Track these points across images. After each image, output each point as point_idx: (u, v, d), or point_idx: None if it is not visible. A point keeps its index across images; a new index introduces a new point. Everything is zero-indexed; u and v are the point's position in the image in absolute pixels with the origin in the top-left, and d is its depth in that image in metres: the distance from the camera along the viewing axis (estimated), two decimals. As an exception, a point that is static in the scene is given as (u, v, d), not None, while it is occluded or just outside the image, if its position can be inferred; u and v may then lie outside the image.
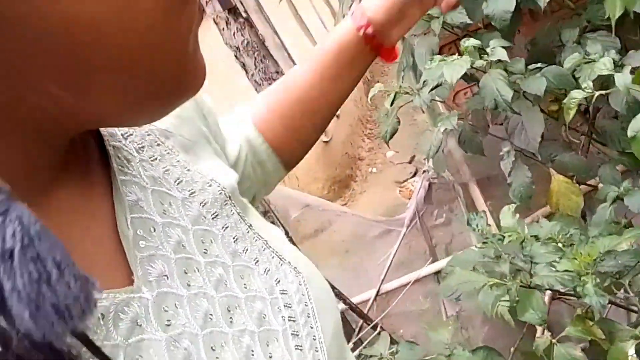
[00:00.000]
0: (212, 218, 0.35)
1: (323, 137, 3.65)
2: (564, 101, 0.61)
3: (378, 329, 1.45)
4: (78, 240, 0.27)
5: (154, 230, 0.31)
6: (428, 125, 1.96)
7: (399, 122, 1.19)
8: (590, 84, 0.59)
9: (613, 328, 0.56)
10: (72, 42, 0.22)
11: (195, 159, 0.37)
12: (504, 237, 0.73)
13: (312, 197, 1.90)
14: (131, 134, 0.34)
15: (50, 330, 0.17)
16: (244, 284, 0.34)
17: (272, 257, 0.37)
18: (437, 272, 1.64)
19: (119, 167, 0.32)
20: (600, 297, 0.53)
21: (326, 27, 4.70)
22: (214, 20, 3.40)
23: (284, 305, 0.35)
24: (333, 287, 1.70)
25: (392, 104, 1.18)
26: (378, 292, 1.62)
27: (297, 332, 0.35)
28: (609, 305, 0.64)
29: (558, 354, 0.55)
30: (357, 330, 1.63)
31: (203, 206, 0.35)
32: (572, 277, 0.57)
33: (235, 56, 3.46)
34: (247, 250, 0.36)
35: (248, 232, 0.37)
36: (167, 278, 0.30)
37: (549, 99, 1.20)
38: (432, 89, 0.96)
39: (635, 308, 0.59)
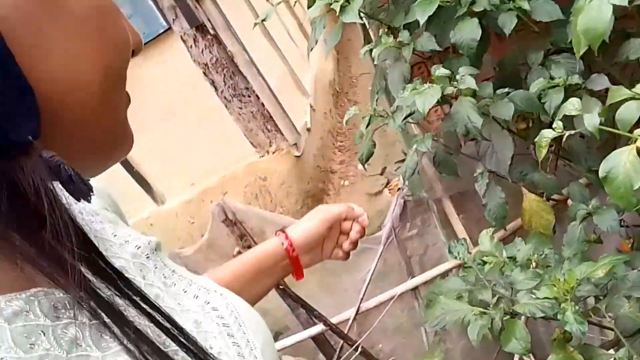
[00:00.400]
0: (146, 257, 0.42)
1: (295, 152, 3.65)
2: (536, 140, 0.64)
3: (359, 349, 1.46)
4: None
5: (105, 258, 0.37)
6: (398, 136, 1.98)
7: (374, 145, 1.21)
8: (560, 124, 0.62)
9: (593, 353, 0.58)
10: (58, 101, 0.31)
11: (121, 226, 0.45)
12: (484, 262, 0.75)
13: (289, 218, 1.89)
14: (71, 205, 0.38)
15: None
16: (178, 303, 0.40)
17: (199, 289, 0.44)
18: (414, 288, 1.66)
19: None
20: (580, 325, 0.55)
21: (294, 42, 4.73)
22: (182, 38, 3.39)
23: (217, 316, 0.42)
24: (313, 309, 1.71)
25: (367, 126, 1.20)
26: (357, 311, 1.63)
27: (232, 334, 0.41)
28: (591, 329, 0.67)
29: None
30: (337, 351, 1.63)
31: (138, 248, 0.42)
32: (552, 305, 0.59)
33: (204, 73, 3.45)
34: (175, 284, 0.43)
35: (173, 274, 0.44)
36: None
37: (516, 117, 1.24)
38: (405, 117, 0.98)
39: (609, 326, 0.61)
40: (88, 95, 0.32)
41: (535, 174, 1.10)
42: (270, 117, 3.59)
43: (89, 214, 0.43)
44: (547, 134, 0.61)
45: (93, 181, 0.40)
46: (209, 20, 3.25)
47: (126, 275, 0.35)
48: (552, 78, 1.06)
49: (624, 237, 1.15)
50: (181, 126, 3.53)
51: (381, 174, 3.89)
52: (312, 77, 4.50)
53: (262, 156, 3.65)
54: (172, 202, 3.76)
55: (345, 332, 1.66)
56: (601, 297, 0.64)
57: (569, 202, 1.16)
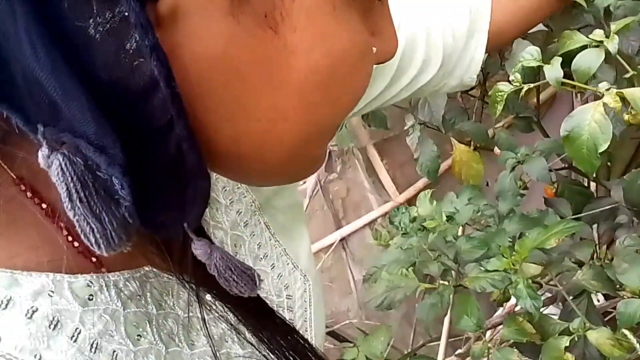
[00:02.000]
0: (244, 226, 0.40)
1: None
2: (490, 93, 0.57)
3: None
4: None
5: (207, 231, 0.34)
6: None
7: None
8: (518, 76, 0.55)
9: (544, 323, 0.55)
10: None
11: None
12: (424, 227, 0.70)
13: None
14: None
15: None
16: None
17: (287, 264, 0.42)
18: (342, 239, 1.63)
19: None
20: (535, 300, 0.52)
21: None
22: None
23: (287, 308, 0.41)
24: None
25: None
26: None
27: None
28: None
29: (495, 359, 0.54)
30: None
31: (238, 214, 0.40)
32: (502, 277, 0.55)
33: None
34: (267, 256, 0.41)
35: (270, 239, 0.42)
36: None
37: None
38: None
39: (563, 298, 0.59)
40: (276, 155, 0.26)
41: (465, 123, 1.06)
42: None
43: None
44: (504, 88, 0.55)
45: None
46: None
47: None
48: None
49: (549, 182, 1.16)
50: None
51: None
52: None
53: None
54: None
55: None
56: (544, 263, 0.61)
57: (496, 150, 1.14)
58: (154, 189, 0.24)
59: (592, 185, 1.24)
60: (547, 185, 1.20)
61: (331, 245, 1.62)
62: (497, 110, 0.53)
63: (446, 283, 0.59)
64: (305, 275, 0.44)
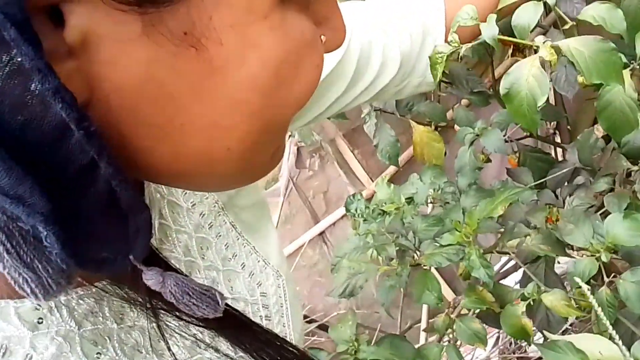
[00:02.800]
0: (209, 227, 0.40)
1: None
2: (429, 55, 0.58)
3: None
4: None
5: (169, 235, 0.36)
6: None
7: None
8: (456, 36, 0.55)
9: (502, 291, 0.57)
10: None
11: None
12: (384, 212, 0.71)
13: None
14: None
15: None
16: (231, 287, 0.40)
17: (258, 261, 0.42)
18: (321, 233, 1.64)
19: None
20: (487, 269, 0.53)
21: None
22: None
23: (262, 306, 0.41)
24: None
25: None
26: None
27: (272, 330, 0.39)
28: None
29: (459, 329, 0.55)
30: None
31: (202, 216, 0.39)
32: (456, 251, 0.56)
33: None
34: (236, 255, 0.41)
35: (238, 238, 0.42)
36: None
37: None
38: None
39: (512, 257, 0.60)
40: (226, 165, 0.26)
41: (421, 104, 1.07)
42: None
43: None
44: (442, 49, 0.55)
45: None
46: None
47: (186, 259, 0.35)
48: None
49: (511, 153, 1.18)
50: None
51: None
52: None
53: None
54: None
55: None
56: (501, 231, 0.62)
57: (456, 127, 1.15)
58: (92, 226, 0.23)
59: (560, 153, 1.25)
60: (510, 156, 1.22)
61: (314, 240, 1.63)
62: (438, 73, 0.54)
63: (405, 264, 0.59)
64: (277, 271, 0.44)
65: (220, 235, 0.40)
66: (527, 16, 0.52)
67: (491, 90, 1.14)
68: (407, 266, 0.58)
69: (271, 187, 1.63)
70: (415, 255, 0.61)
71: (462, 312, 0.59)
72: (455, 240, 0.56)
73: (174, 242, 0.36)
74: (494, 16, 0.54)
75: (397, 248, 0.61)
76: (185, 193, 0.39)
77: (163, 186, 0.37)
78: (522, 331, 0.53)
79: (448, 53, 0.54)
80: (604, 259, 0.50)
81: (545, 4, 0.54)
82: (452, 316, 0.57)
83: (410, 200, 0.76)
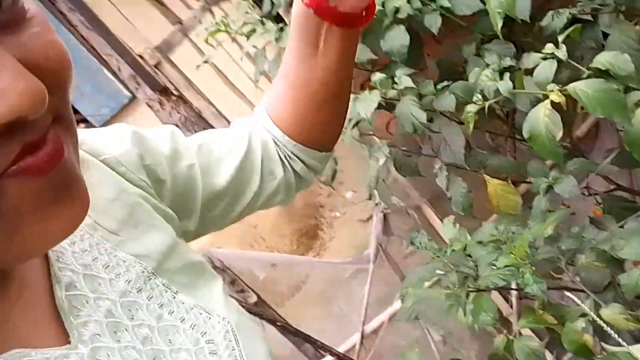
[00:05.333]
0: (137, 292, 0.41)
1: (279, 193, 3.66)
2: (463, 115, 0.66)
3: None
4: (22, 313, 0.34)
5: (87, 303, 0.38)
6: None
7: (335, 162, 1.23)
8: (480, 96, 0.64)
9: (562, 311, 0.58)
10: None
11: (124, 241, 0.43)
12: (451, 248, 0.76)
13: (277, 254, 1.89)
14: None
15: None
16: (169, 340, 0.40)
17: (200, 314, 0.43)
18: (413, 299, 1.64)
19: (55, 258, 0.39)
20: (539, 284, 0.56)
21: (258, 86, 4.82)
22: (148, 104, 3.45)
23: (210, 352, 0.42)
24: (318, 342, 1.68)
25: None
26: (362, 335, 1.61)
27: None
28: (561, 291, 0.67)
29: (518, 349, 0.57)
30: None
31: (128, 283, 0.41)
32: (512, 272, 0.60)
33: (175, 134, 3.50)
34: (172, 312, 0.42)
35: (174, 297, 0.43)
36: (100, 336, 0.37)
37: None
38: (354, 126, 1.01)
39: (577, 287, 0.62)
40: None
41: (494, 159, 1.12)
42: (249, 164, 3.61)
43: (84, 238, 0.41)
44: (470, 109, 0.64)
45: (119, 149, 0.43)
46: (171, 82, 3.32)
47: (108, 320, 0.37)
48: (487, 65, 1.09)
49: (595, 204, 1.17)
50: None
51: (369, 199, 3.92)
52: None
53: (248, 204, 3.65)
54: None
55: (355, 358, 1.63)
56: (560, 257, 0.64)
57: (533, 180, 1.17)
58: None
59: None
60: (595, 208, 1.20)
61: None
62: (470, 128, 0.61)
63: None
64: (223, 318, 0.44)
65: (151, 297, 0.42)
66: (545, 72, 0.60)
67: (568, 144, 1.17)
68: (465, 289, 0.62)
69: (361, 254, 1.69)
70: (474, 280, 0.65)
71: (521, 332, 0.60)
72: (510, 262, 0.60)
73: (93, 308, 0.38)
74: (507, 74, 0.63)
75: (458, 275, 0.66)
76: (108, 266, 0.41)
77: (78, 263, 0.39)
78: (584, 348, 0.54)
79: (476, 111, 0.62)
80: (656, 269, 0.51)
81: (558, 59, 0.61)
82: (510, 337, 0.59)
83: (480, 242, 0.80)
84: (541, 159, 1.15)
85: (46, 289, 0.37)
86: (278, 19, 1.41)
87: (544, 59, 0.63)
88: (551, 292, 0.66)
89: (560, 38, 0.62)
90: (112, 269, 0.41)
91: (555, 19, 0.75)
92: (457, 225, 0.79)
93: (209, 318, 0.43)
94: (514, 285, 0.64)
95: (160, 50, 3.53)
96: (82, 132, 0.44)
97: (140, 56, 3.34)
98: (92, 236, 0.42)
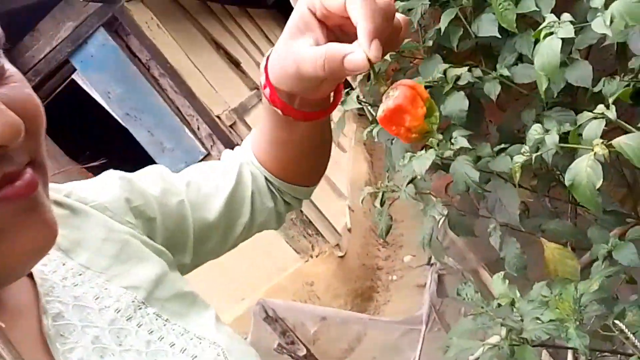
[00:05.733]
0: (127, 320, 0.44)
1: (337, 252, 3.69)
2: (510, 166, 0.69)
3: None
4: (14, 342, 0.36)
5: (74, 331, 0.41)
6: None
7: (391, 218, 1.26)
8: (526, 148, 0.67)
9: (606, 368, 0.57)
10: None
11: (115, 275, 0.46)
12: (499, 304, 0.77)
13: (329, 309, 1.90)
14: (56, 271, 0.45)
15: None
16: None
17: (191, 339, 0.45)
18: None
19: (45, 292, 0.43)
20: (582, 338, 0.56)
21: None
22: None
23: None
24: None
25: (381, 203, 1.27)
26: (411, 398, 1.56)
27: None
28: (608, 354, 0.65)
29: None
30: None
31: (118, 312, 0.44)
32: (556, 326, 0.60)
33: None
34: (162, 338, 0.44)
35: (165, 324, 0.45)
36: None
37: (529, 175, 1.28)
38: (408, 183, 1.05)
39: (630, 351, 0.61)
40: None
41: (550, 223, 1.11)
42: (310, 222, 3.70)
43: (76, 274, 0.45)
44: (518, 159, 0.67)
45: (106, 194, 0.48)
46: (242, 141, 3.54)
47: (95, 346, 0.39)
48: (546, 131, 1.11)
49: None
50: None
51: (428, 263, 3.84)
52: (347, 180, 4.66)
53: (307, 261, 3.69)
54: (225, 319, 3.79)
55: None
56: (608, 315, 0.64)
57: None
58: None
59: None
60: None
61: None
62: (516, 177, 0.64)
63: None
64: (214, 342, 0.45)
65: (141, 325, 0.44)
66: (593, 129, 0.63)
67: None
68: (509, 340, 0.63)
69: (413, 314, 1.67)
70: (519, 333, 0.65)
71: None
72: (555, 316, 0.60)
73: (80, 336, 0.40)
74: (555, 128, 0.66)
75: (503, 328, 0.66)
76: (98, 297, 0.43)
77: (68, 295, 0.43)
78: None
79: (522, 162, 0.66)
80: None
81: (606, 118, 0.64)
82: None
83: (530, 300, 0.80)
84: (604, 227, 1.13)
85: (36, 320, 0.40)
86: (346, 83, 1.52)
87: (595, 118, 0.66)
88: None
89: (611, 100, 0.65)
90: (102, 299, 0.44)
91: (606, 85, 0.78)
92: (507, 281, 0.79)
93: (200, 342, 0.45)
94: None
95: (237, 112, 3.80)
96: (70, 183, 0.51)
97: (218, 117, 3.60)
98: (84, 273, 0.45)
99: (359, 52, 0.41)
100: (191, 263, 0.58)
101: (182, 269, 0.56)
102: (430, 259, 3.89)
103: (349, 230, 3.99)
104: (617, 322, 0.59)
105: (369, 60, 0.41)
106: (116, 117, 3.40)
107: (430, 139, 1.07)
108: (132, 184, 0.53)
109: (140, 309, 0.45)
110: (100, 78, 3.29)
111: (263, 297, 3.93)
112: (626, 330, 0.58)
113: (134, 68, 3.30)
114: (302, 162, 0.60)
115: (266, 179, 0.62)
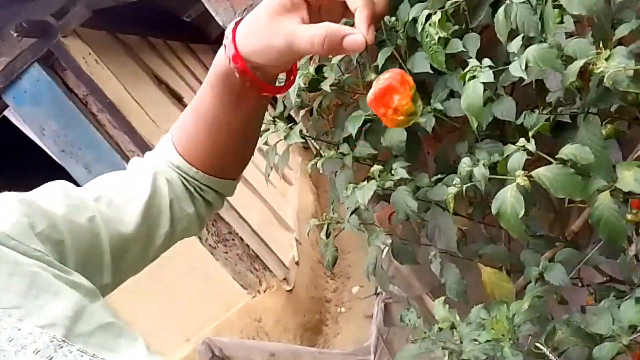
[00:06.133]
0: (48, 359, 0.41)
1: (285, 286, 3.65)
2: (445, 196, 0.74)
3: None
4: None
5: None
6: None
7: (337, 250, 1.28)
8: (458, 180, 0.72)
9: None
10: None
11: (27, 313, 0.43)
12: (440, 328, 0.79)
13: (277, 343, 1.88)
14: None
15: None
16: None
17: None
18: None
19: None
20: (516, 357, 0.59)
21: (270, 181, 5.01)
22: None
23: None
24: None
25: (327, 235, 1.29)
26: None
27: None
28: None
29: (500, 421, 0.58)
30: None
31: (37, 353, 0.41)
32: (492, 346, 0.63)
33: (187, 225, 3.59)
34: None
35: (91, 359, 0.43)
36: None
37: (465, 203, 1.35)
38: (351, 214, 1.08)
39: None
40: None
41: (487, 248, 1.17)
42: (257, 256, 3.66)
43: None
44: (451, 190, 0.71)
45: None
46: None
47: None
48: (477, 162, 1.19)
49: (588, 294, 1.20)
50: (169, 281, 3.57)
51: (375, 294, 3.88)
52: (293, 212, 4.67)
53: (254, 297, 3.64)
54: (169, 361, 3.64)
55: None
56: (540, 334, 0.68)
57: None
58: None
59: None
60: (588, 297, 1.23)
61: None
62: (451, 206, 0.69)
63: (449, 361, 0.66)
64: None
65: None
66: (516, 161, 0.69)
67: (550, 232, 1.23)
68: (450, 362, 0.66)
69: (362, 345, 1.68)
70: (458, 355, 0.68)
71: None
72: (491, 337, 0.64)
73: None
74: (483, 160, 0.71)
75: (444, 351, 0.69)
76: (12, 339, 0.40)
77: None
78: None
79: (454, 193, 0.70)
80: (624, 342, 0.55)
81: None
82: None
83: (469, 323, 0.83)
84: (535, 250, 1.20)
85: None
86: (289, 118, 1.55)
87: (517, 150, 0.71)
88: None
89: (531, 133, 0.71)
90: (16, 341, 0.41)
91: (527, 118, 0.85)
92: (447, 305, 0.83)
93: None
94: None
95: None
96: None
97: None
98: None
99: (359, 35, 0.46)
100: (113, 282, 0.55)
101: (104, 290, 0.53)
102: (376, 288, 3.94)
103: (297, 263, 3.98)
104: (538, 343, 0.63)
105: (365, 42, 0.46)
106: (51, 154, 3.27)
107: (372, 170, 1.11)
108: (33, 206, 0.49)
109: (61, 347, 0.42)
110: (34, 114, 3.18)
111: (209, 336, 3.81)
112: (546, 351, 0.62)
113: (71, 104, 3.21)
114: (233, 150, 0.59)
115: (186, 179, 0.59)
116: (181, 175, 0.60)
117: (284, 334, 3.50)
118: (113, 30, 4.01)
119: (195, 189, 0.60)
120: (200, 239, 3.57)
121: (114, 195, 0.56)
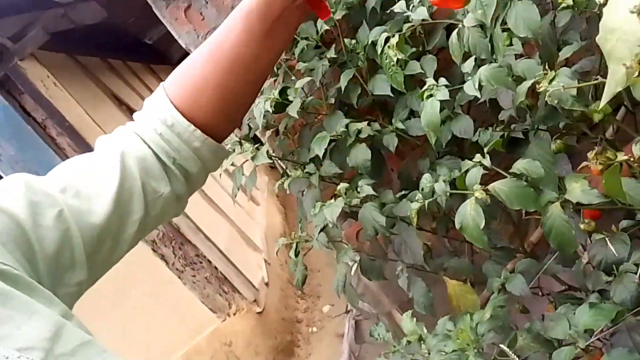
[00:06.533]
0: None
1: (256, 308, 3.61)
2: (409, 213, 0.76)
3: None
4: None
5: None
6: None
7: (306, 268, 1.29)
8: (420, 196, 0.75)
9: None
10: None
11: (4, 336, 0.40)
12: (409, 341, 0.81)
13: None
14: None
15: None
16: None
17: None
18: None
19: None
20: (481, 364, 0.61)
21: (236, 202, 4.97)
22: (127, 221, 3.52)
23: None
24: None
25: (296, 254, 1.30)
26: None
27: None
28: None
29: None
30: None
31: None
32: (458, 356, 0.66)
33: (153, 249, 3.52)
34: None
35: None
36: None
37: (429, 218, 1.38)
38: (320, 232, 1.10)
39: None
40: None
41: (451, 262, 1.20)
42: (225, 278, 3.61)
43: None
44: (413, 206, 0.74)
45: None
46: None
47: None
48: (437, 178, 1.23)
49: (548, 303, 1.24)
50: (134, 307, 3.48)
51: (346, 312, 3.87)
52: (261, 233, 4.65)
53: (224, 320, 3.58)
54: (136, 391, 3.52)
55: None
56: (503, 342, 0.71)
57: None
58: None
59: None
60: (549, 306, 1.28)
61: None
62: (414, 221, 0.71)
63: (418, 373, 0.68)
64: None
65: None
66: (473, 176, 0.72)
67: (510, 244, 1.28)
68: (419, 374, 0.67)
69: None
70: (428, 366, 0.70)
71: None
72: (456, 347, 0.66)
73: None
74: (444, 177, 0.75)
75: (414, 363, 0.71)
76: None
77: None
78: None
79: (418, 207, 0.73)
80: (581, 345, 0.58)
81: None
82: (464, 418, 0.63)
83: (436, 334, 0.86)
84: (497, 263, 1.24)
85: None
86: (255, 139, 1.57)
87: (474, 166, 0.75)
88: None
89: (486, 149, 0.75)
90: None
91: (481, 135, 0.89)
92: (415, 319, 0.85)
93: None
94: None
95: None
96: None
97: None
98: None
99: None
100: (89, 277, 0.51)
101: (80, 287, 0.50)
102: (347, 306, 3.94)
103: (267, 284, 3.95)
104: (502, 345, 0.66)
105: None
106: (9, 180, 3.16)
107: (339, 188, 1.13)
108: None
109: None
110: (-10, 139, 3.08)
111: (178, 362, 3.71)
112: (512, 355, 0.65)
113: (29, 127, 3.13)
114: (247, 90, 0.58)
115: (171, 146, 0.55)
116: (163, 144, 0.55)
117: (256, 357, 3.45)
118: (72, 53, 3.94)
119: (174, 161, 0.56)
120: (167, 262, 3.50)
121: (82, 184, 0.52)
